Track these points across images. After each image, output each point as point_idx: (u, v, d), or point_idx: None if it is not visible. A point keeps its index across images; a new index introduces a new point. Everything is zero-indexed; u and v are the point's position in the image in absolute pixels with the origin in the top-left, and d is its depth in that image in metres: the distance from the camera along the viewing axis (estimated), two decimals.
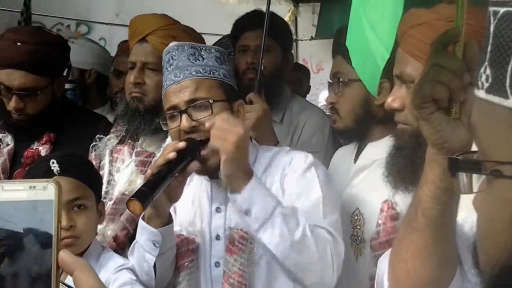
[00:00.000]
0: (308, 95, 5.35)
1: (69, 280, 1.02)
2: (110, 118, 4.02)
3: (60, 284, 0.98)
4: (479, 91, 0.76)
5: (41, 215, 0.93)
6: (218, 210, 2.16)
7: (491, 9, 0.75)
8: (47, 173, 2.10)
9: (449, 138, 1.18)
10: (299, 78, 5.12)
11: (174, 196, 2.03)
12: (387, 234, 2.12)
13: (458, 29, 1.20)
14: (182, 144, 1.98)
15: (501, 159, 0.73)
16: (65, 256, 0.94)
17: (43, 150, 2.84)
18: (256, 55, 3.05)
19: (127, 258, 2.23)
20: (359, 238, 2.27)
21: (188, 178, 2.08)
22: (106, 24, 7.02)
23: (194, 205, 2.21)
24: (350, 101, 2.41)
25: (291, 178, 2.09)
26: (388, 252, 1.42)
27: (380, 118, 2.37)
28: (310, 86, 5.66)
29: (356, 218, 2.28)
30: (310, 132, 3.14)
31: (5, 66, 2.74)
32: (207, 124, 1.99)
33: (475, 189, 0.83)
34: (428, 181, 1.23)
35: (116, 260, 2.19)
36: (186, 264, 2.13)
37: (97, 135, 2.82)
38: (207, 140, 2.00)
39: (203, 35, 2.75)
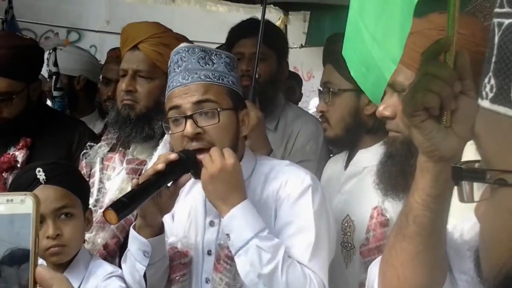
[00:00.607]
0: (299, 103, 5.37)
1: None
2: (99, 125, 4.02)
3: None
4: (484, 101, 0.77)
5: (18, 229, 0.91)
6: (211, 224, 2.11)
7: (496, 20, 0.76)
8: (33, 182, 2.10)
9: (440, 146, 1.19)
10: (292, 86, 5.14)
11: (165, 207, 1.99)
12: (377, 240, 2.13)
13: (449, 38, 1.20)
14: (173, 156, 1.93)
15: (506, 168, 0.74)
16: (42, 271, 0.92)
17: (19, 155, 2.83)
18: (251, 62, 3.06)
19: (117, 266, 2.22)
20: (349, 245, 2.27)
21: (188, 187, 2.07)
22: (97, 31, 7.00)
23: (190, 216, 2.16)
24: (340, 110, 2.43)
25: (285, 204, 2.03)
26: (378, 260, 1.42)
27: (370, 128, 2.39)
28: (302, 94, 5.69)
29: (346, 224, 2.29)
30: (304, 140, 3.14)
31: None
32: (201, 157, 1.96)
33: (476, 198, 0.83)
34: (419, 188, 1.24)
35: (106, 267, 2.18)
36: (177, 278, 2.09)
37: (88, 143, 2.82)
38: (205, 150, 1.97)
39: (194, 43, 2.76)
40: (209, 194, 1.96)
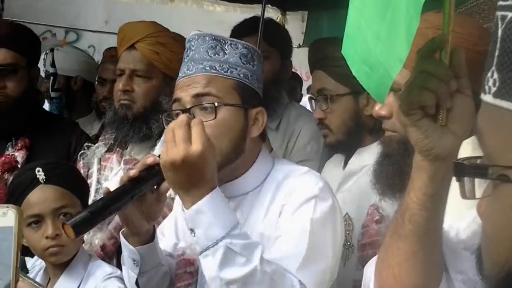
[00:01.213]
0: (299, 103, 5.38)
1: None
2: (97, 126, 4.02)
3: None
4: (486, 96, 0.76)
5: None
6: None
7: (499, 13, 0.75)
8: (33, 181, 2.11)
9: (436, 144, 1.18)
10: (294, 86, 5.14)
11: (151, 214, 1.82)
12: (370, 236, 2.14)
13: (444, 36, 1.20)
14: (150, 160, 1.76)
15: (508, 163, 0.73)
16: (24, 286, 0.90)
17: (19, 155, 2.84)
18: None
19: (115, 267, 2.21)
20: (348, 243, 2.27)
21: None
22: (95, 31, 7.00)
23: None
24: (340, 115, 2.43)
25: (285, 213, 1.82)
26: (374, 259, 1.42)
27: (371, 127, 2.39)
28: (302, 94, 5.70)
29: (345, 223, 2.28)
30: (305, 139, 3.12)
31: None
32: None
33: (478, 195, 0.82)
34: (415, 187, 1.23)
35: (105, 268, 2.18)
36: None
37: (86, 144, 2.82)
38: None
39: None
40: (170, 181, 1.69)
